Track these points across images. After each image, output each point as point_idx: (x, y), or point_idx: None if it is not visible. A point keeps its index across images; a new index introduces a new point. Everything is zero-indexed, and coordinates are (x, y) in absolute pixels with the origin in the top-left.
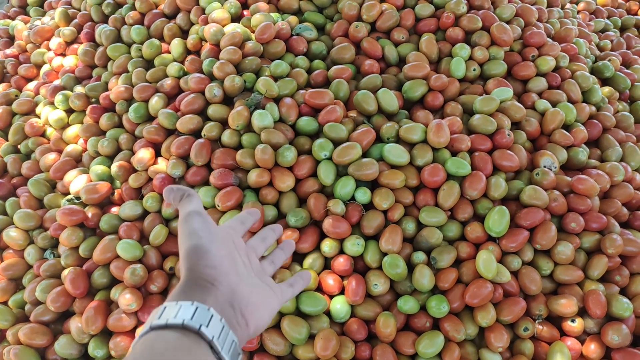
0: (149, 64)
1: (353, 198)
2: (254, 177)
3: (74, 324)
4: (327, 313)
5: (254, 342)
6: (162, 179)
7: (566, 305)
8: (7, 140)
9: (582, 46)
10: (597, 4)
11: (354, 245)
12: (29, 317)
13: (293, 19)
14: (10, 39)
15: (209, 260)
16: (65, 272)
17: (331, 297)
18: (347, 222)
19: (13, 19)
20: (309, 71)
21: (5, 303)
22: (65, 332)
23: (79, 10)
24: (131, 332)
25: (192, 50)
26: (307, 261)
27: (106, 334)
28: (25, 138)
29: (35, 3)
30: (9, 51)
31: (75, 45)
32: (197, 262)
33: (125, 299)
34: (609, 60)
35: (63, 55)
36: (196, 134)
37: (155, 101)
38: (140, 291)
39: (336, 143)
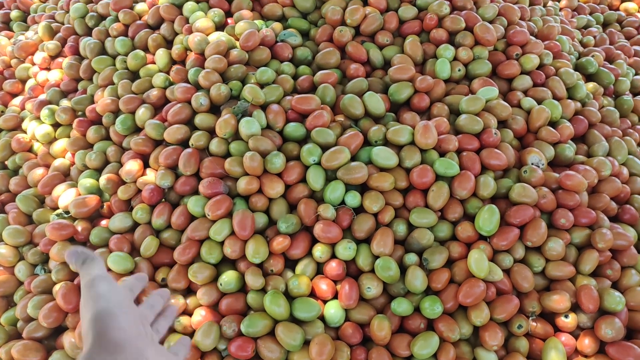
0: (134, 75)
1: (343, 202)
2: (243, 184)
3: (67, 339)
4: (322, 318)
5: (249, 350)
6: (151, 190)
7: (559, 301)
8: None
9: (565, 43)
10: (579, 1)
11: (345, 250)
12: (21, 334)
13: (277, 25)
14: None
15: (119, 322)
16: (56, 287)
17: (325, 302)
18: (338, 226)
19: None
20: (295, 77)
21: None
22: (58, 348)
23: (63, 24)
24: None
25: (177, 60)
26: (299, 267)
27: None
28: (13, 154)
29: (18, 18)
30: None
31: (59, 59)
32: (106, 325)
33: None
34: (593, 56)
35: (48, 69)
36: (184, 143)
37: (142, 112)
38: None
39: (324, 148)
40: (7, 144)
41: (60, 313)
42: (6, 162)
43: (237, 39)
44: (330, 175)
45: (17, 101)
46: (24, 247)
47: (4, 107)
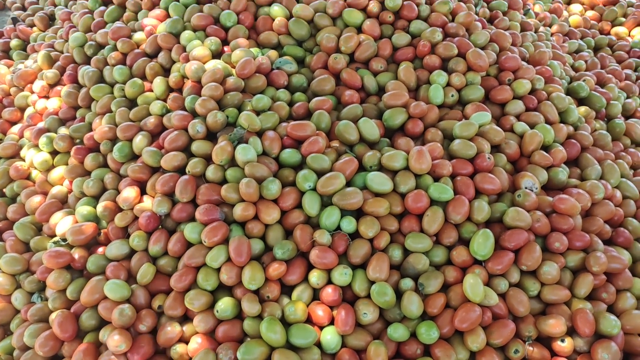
0: (132, 103)
1: (339, 228)
2: (239, 211)
3: None
4: (318, 344)
5: None
6: (148, 217)
7: (555, 325)
8: None
9: (557, 68)
10: (570, 26)
11: (341, 275)
12: None
13: (273, 53)
14: None
15: None
16: (53, 316)
17: (321, 328)
18: (334, 252)
19: None
20: (291, 104)
21: None
22: None
23: (62, 53)
24: None
25: (174, 88)
26: (295, 293)
27: None
28: (10, 181)
29: (18, 47)
30: None
31: (58, 88)
32: None
33: (114, 340)
34: (584, 80)
35: (46, 97)
36: (181, 170)
37: (139, 140)
38: (129, 331)
39: (320, 174)
40: (5, 172)
41: (57, 342)
42: (4, 190)
43: (234, 67)
44: (326, 201)
45: (15, 129)
46: (21, 275)
47: (3, 135)
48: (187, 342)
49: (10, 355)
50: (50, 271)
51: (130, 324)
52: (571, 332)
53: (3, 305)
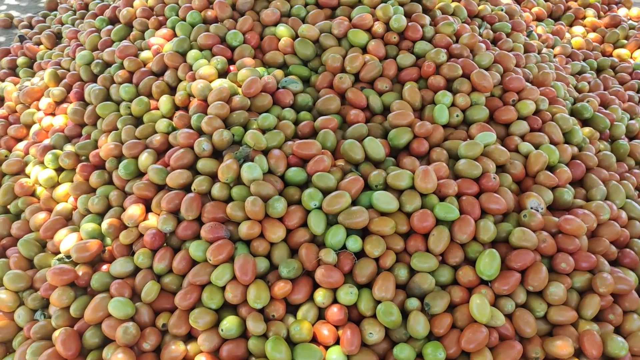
0: (138, 121)
1: (344, 247)
2: (244, 229)
3: None
4: None
5: None
6: (153, 234)
7: (562, 346)
8: None
9: (561, 89)
10: (572, 48)
11: (347, 295)
12: None
13: (278, 72)
14: (0, 100)
15: None
16: (56, 334)
17: (326, 347)
18: (340, 271)
19: (2, 80)
20: (296, 123)
21: None
22: None
23: (68, 71)
24: None
25: (181, 106)
26: (301, 312)
27: None
28: (15, 198)
29: (24, 64)
30: None
31: (64, 105)
32: None
33: (118, 359)
34: (588, 101)
35: (53, 114)
36: (186, 188)
37: (145, 157)
38: (132, 350)
39: (325, 192)
40: (10, 189)
41: None
42: (8, 207)
43: (240, 86)
44: (332, 220)
45: (21, 146)
46: (24, 292)
47: (8, 152)
48: None
49: None
50: (54, 288)
51: (134, 343)
52: (578, 353)
53: (6, 323)
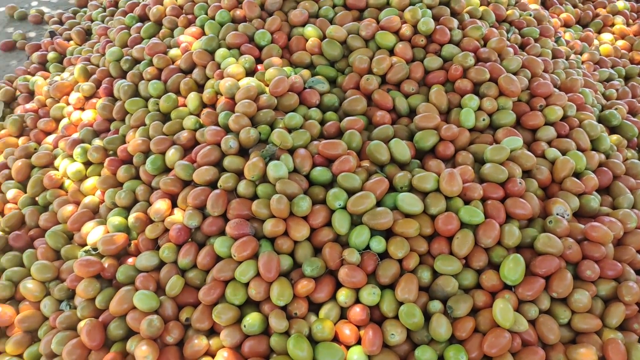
0: (165, 117)
1: (368, 247)
2: (269, 227)
3: None
4: None
5: None
6: (178, 229)
7: (586, 354)
8: (26, 192)
9: (589, 95)
10: (600, 55)
11: (370, 295)
12: None
13: (305, 72)
14: (30, 94)
15: None
16: (81, 324)
17: (348, 347)
18: (363, 271)
19: (33, 75)
20: (322, 123)
21: (20, 356)
22: None
23: (98, 66)
24: None
25: (208, 104)
26: (323, 311)
27: None
28: (44, 190)
29: (54, 59)
30: (28, 106)
31: (93, 100)
32: None
33: (142, 351)
34: (616, 109)
35: (82, 109)
36: (212, 185)
37: (172, 153)
38: (156, 342)
39: (350, 192)
40: (39, 181)
41: (84, 350)
42: (37, 198)
43: (267, 85)
44: (356, 220)
45: (50, 139)
46: (51, 282)
47: (38, 145)
48: (213, 356)
49: None
50: (80, 279)
51: (157, 335)
52: None
53: (32, 312)
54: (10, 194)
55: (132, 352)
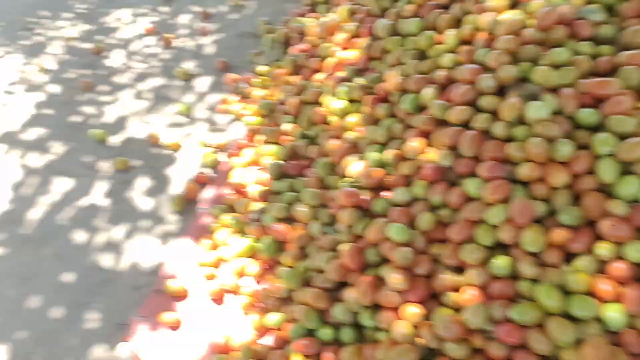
0: (423, 55)
1: (637, 200)
2: (525, 171)
3: (349, 294)
4: (598, 320)
5: (516, 336)
6: (432, 168)
7: None
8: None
9: None
10: None
11: (637, 252)
12: (309, 282)
13: (578, 0)
14: (302, 35)
15: None
16: (344, 247)
17: (604, 303)
18: (630, 225)
19: (303, 15)
20: (594, 58)
21: (292, 267)
22: (340, 300)
23: (361, 6)
24: (397, 309)
25: (467, 41)
26: (579, 262)
27: (376, 307)
28: (313, 125)
29: (322, 1)
30: (301, 46)
31: (357, 40)
32: None
33: (395, 278)
34: None
35: (346, 49)
36: (467, 125)
37: (428, 92)
38: (408, 272)
39: (621, 138)
40: (309, 116)
41: (345, 270)
42: (307, 132)
43: (532, 18)
44: (625, 169)
45: (319, 77)
46: (318, 208)
47: (308, 83)
48: (458, 292)
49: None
50: (343, 207)
51: (409, 266)
52: None
53: (303, 232)
54: (286, 127)
55: (385, 277)
